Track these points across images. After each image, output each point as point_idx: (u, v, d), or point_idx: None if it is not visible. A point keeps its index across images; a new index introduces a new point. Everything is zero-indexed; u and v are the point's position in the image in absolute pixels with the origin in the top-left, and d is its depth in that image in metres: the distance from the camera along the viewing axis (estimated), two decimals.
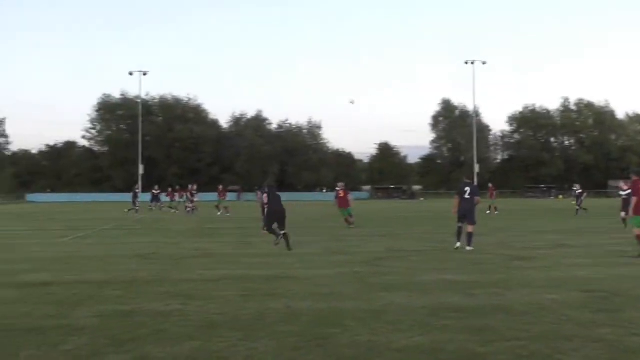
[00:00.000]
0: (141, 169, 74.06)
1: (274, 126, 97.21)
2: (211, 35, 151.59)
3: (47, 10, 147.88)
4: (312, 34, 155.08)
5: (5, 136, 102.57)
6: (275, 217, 15.27)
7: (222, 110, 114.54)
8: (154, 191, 44.08)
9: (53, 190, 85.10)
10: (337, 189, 24.25)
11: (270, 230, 15.31)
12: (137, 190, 41.72)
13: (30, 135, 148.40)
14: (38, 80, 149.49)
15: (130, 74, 76.52)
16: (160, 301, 8.13)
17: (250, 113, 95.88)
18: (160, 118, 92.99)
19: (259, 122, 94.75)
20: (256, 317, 7.14)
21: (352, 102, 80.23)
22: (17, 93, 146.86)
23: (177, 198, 42.01)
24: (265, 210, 16.70)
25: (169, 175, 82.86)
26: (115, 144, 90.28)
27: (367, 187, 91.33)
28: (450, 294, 8.52)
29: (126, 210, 38.38)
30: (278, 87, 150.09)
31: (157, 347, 5.86)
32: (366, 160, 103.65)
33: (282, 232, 14.91)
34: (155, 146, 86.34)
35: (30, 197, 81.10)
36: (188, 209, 36.93)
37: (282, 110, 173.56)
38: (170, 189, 45.15)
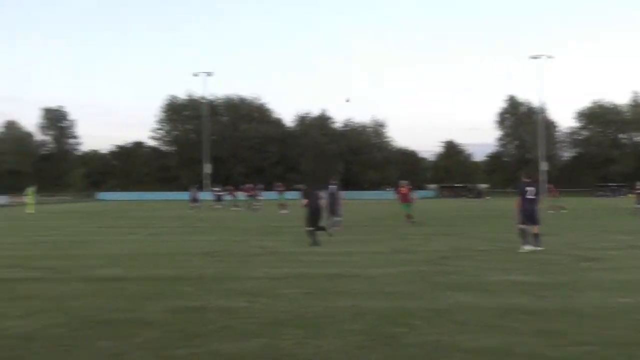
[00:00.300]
0: (208, 168, 75.41)
1: (338, 125, 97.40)
2: (275, 34, 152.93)
3: (115, 14, 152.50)
4: (373, 32, 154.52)
5: (76, 137, 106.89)
6: (311, 215, 16.07)
7: (286, 110, 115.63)
8: (215, 190, 44.86)
9: (122, 189, 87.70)
10: (400, 187, 24.81)
11: (312, 238, 15.87)
12: (195, 189, 42.88)
13: (100, 136, 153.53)
14: (106, 83, 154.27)
15: (196, 75, 77.95)
16: (227, 298, 8.33)
17: (315, 112, 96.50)
18: (226, 118, 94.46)
19: (323, 120, 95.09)
20: (322, 315, 7.23)
21: (347, 101, 79.38)
22: (87, 95, 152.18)
23: (239, 196, 42.56)
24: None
25: (235, 174, 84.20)
26: (182, 143, 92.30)
27: (433, 186, 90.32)
28: (518, 295, 8.41)
29: (190, 209, 39.25)
30: (342, 86, 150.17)
31: (225, 343, 6.03)
32: (431, 158, 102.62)
33: (311, 228, 15.80)
34: (221, 145, 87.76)
35: (101, 195, 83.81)
36: (253, 208, 37.54)
37: (346, 108, 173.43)
38: (232, 187, 45.98)
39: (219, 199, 43.99)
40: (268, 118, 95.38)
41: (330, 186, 21.14)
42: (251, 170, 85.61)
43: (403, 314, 7.25)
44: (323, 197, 17.25)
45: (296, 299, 8.23)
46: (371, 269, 11.16)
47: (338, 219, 20.70)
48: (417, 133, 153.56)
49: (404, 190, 24.38)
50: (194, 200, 40.86)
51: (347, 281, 9.79)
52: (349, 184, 78.57)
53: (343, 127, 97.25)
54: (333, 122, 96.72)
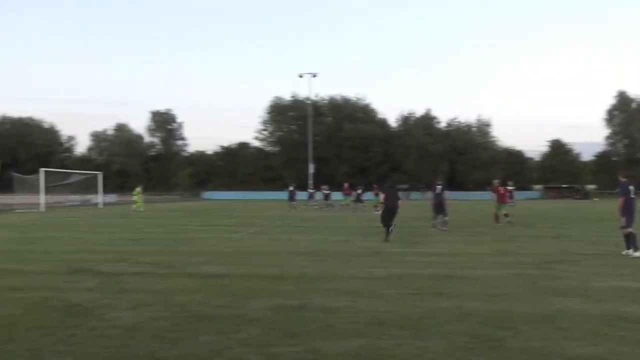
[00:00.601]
0: (312, 168, 76.31)
1: (442, 124, 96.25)
2: (378, 35, 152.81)
3: (220, 16, 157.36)
4: (475, 30, 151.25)
5: (183, 139, 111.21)
6: (388, 212, 17.37)
7: (390, 110, 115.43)
8: (324, 190, 45.31)
9: (226, 188, 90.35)
10: (496, 186, 24.72)
11: (387, 230, 17.26)
12: (292, 189, 43.53)
13: (206, 138, 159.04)
14: (213, 86, 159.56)
15: (300, 76, 79.21)
16: (329, 297, 8.34)
17: (419, 112, 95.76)
18: (330, 118, 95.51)
19: (427, 120, 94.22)
20: (425, 316, 7.14)
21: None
22: (194, 98, 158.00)
23: (339, 196, 42.87)
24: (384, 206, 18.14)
25: (339, 174, 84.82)
26: (286, 144, 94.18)
27: (539, 187, 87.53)
28: (628, 303, 8.01)
29: (292, 209, 39.81)
30: (446, 85, 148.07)
31: (327, 342, 6.03)
32: (537, 158, 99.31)
33: (390, 225, 17.16)
34: (325, 145, 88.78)
35: (206, 194, 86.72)
36: (352, 209, 37.78)
37: (451, 108, 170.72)
38: (326, 186, 46.53)
39: (326, 197, 44.38)
40: (372, 118, 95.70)
41: (436, 186, 21.37)
42: (355, 171, 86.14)
43: (508, 317, 7.08)
44: (401, 198, 18.13)
45: (399, 300, 8.15)
46: (476, 271, 10.93)
47: (445, 218, 21.06)
48: (522, 132, 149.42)
49: (501, 190, 24.41)
50: (292, 199, 41.66)
51: (451, 282, 9.61)
52: (453, 184, 77.35)
53: (447, 126, 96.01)
54: (437, 122, 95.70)
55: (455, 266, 11.54)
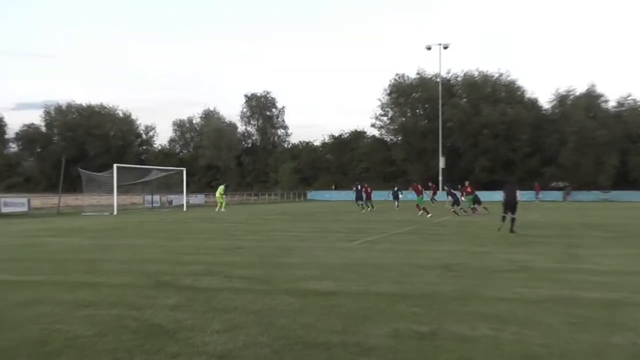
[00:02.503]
0: (442, 162, 75.73)
1: (611, 104, 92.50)
2: None
3: None
4: None
5: (285, 127, 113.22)
6: (508, 206, 23.61)
7: (541, 87, 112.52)
8: (452, 190, 45.01)
9: (337, 187, 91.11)
10: None
11: (503, 219, 23.87)
12: (359, 188, 44.05)
13: (312, 126, 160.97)
14: (318, 63, 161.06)
15: (428, 48, 78.78)
16: (467, 323, 8.21)
17: (580, 89, 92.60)
18: (465, 99, 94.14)
19: (590, 99, 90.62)
20: (591, 353, 6.92)
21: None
22: (295, 78, 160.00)
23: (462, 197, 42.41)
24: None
25: (476, 168, 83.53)
26: (410, 132, 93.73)
27: None
28: None
29: (419, 213, 39.72)
30: (615, 54, 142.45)
31: None
32: None
33: (512, 216, 23.39)
34: (458, 134, 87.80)
35: (312, 194, 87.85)
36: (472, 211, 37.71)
37: (623, 83, 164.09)
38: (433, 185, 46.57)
39: (456, 199, 44.09)
40: (519, 98, 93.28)
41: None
42: (497, 164, 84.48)
43: None
44: (520, 196, 24.04)
45: (556, 330, 7.91)
46: None
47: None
48: None
49: None
50: (360, 198, 42.70)
51: (624, 310, 9.23)
52: (625, 182, 74.49)
53: (617, 106, 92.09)
54: (604, 101, 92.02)
55: (630, 289, 11.07)
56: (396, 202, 43.63)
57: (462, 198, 40.86)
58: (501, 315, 8.71)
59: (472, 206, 39.69)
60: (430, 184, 54.19)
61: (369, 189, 47.06)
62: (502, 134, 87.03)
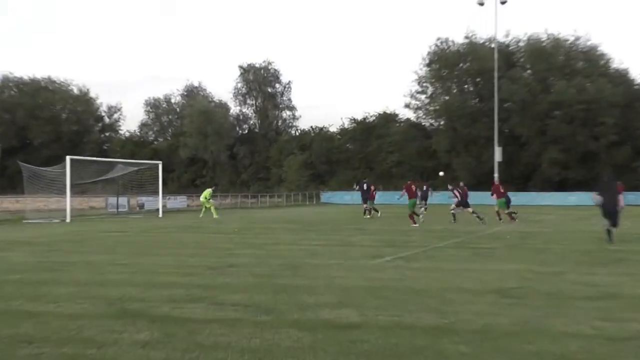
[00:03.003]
0: (498, 154, 75.46)
1: None
2: None
3: None
4: None
5: (292, 108, 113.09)
6: (608, 212, 23.75)
7: (633, 56, 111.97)
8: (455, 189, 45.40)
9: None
10: None
11: (608, 234, 23.92)
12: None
13: (325, 106, 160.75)
14: (332, 29, 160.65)
15: (481, 4, 78.45)
16: None
17: None
18: (529, 72, 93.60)
19: None
20: None
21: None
22: (303, 49, 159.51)
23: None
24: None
25: (544, 162, 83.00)
26: (456, 114, 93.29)
27: None
28: None
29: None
30: None
31: None
32: None
33: (612, 228, 23.77)
34: (520, 117, 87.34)
35: (327, 196, 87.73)
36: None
37: None
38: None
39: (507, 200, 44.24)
40: (602, 70, 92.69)
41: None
42: (572, 157, 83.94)
43: None
44: (623, 201, 24.17)
45: None
46: None
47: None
48: None
49: None
50: (372, 198, 43.79)
51: None
52: None
53: None
54: None
55: None
56: (424, 205, 43.67)
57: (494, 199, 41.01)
58: (575, 357, 8.71)
59: (507, 211, 39.74)
60: (425, 186, 53.47)
61: (372, 188, 48.58)
62: (579, 116, 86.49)
